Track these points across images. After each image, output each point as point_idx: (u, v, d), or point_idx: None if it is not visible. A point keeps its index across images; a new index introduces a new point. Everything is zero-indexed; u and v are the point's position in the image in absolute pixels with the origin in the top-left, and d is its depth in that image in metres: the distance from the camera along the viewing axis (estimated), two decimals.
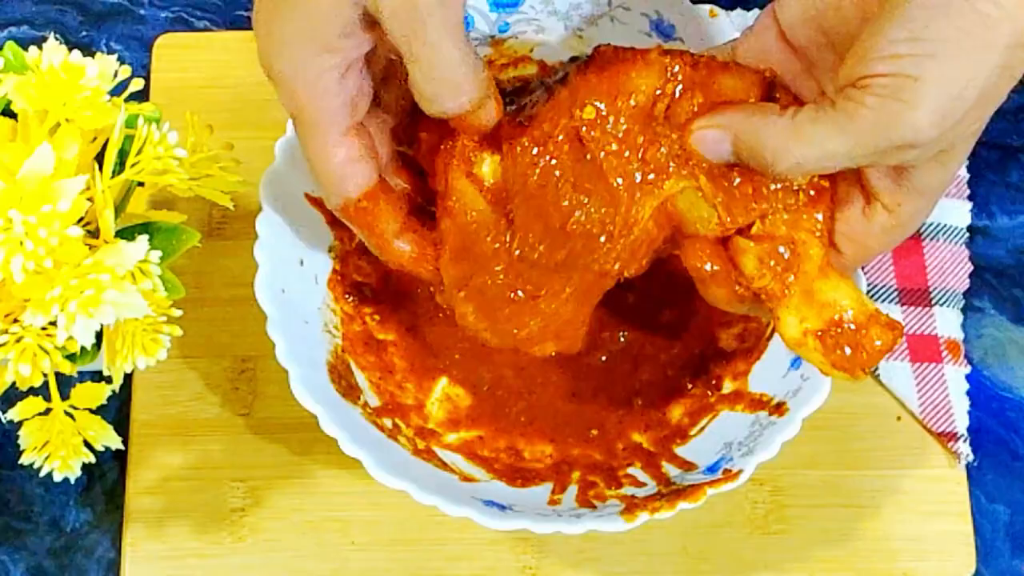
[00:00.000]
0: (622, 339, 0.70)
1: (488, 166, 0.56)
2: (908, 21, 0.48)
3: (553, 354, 0.62)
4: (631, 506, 0.60)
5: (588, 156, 0.55)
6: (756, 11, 0.65)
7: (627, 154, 0.55)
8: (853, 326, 0.54)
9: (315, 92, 0.54)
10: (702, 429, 0.66)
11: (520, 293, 0.59)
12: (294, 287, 0.64)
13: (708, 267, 0.55)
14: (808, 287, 0.54)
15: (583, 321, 0.60)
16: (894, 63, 0.48)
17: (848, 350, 0.54)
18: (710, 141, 0.54)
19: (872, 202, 0.54)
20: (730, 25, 0.66)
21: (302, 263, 0.65)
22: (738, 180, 0.54)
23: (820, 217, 0.54)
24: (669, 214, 0.56)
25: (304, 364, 0.61)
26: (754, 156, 0.52)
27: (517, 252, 0.57)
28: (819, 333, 0.55)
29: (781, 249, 0.54)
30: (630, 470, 0.65)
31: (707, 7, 0.66)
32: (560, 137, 0.55)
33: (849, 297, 0.55)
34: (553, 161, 0.55)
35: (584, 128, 0.55)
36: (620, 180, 0.55)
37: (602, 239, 0.56)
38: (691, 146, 0.54)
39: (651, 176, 0.55)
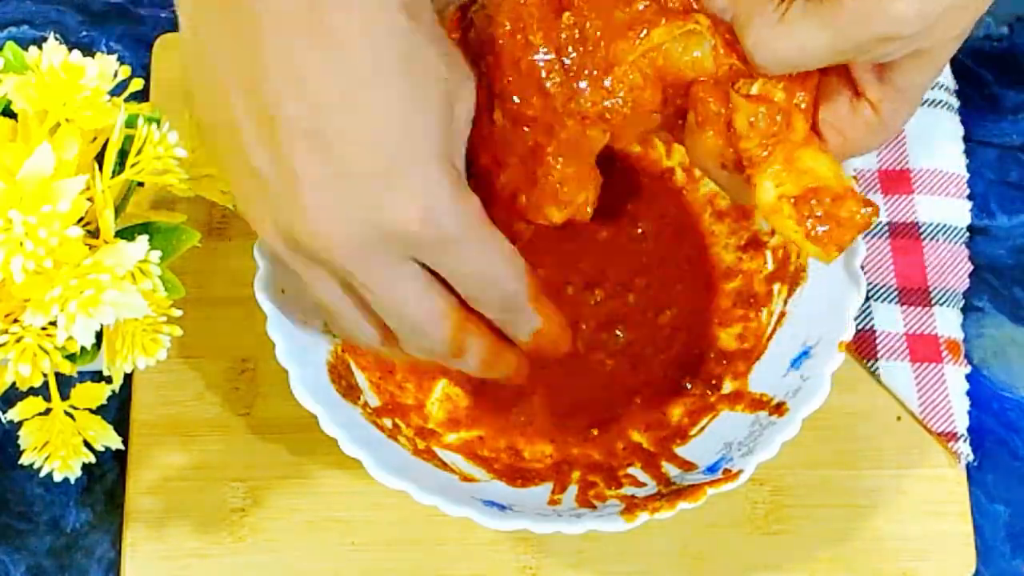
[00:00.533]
0: (620, 338, 0.69)
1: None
2: None
3: (561, 224, 0.60)
4: (631, 506, 0.60)
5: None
6: None
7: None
8: (829, 197, 0.55)
9: (466, 195, 0.52)
10: (702, 429, 0.66)
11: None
12: (294, 287, 0.64)
13: (712, 106, 0.55)
14: (790, 155, 0.55)
15: (583, 184, 0.59)
16: None
17: (822, 220, 0.55)
18: (717, 3, 0.54)
19: (859, 96, 0.54)
20: None
21: None
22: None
23: (803, 95, 0.55)
24: (660, 68, 0.56)
25: (304, 364, 0.61)
26: (743, 42, 0.53)
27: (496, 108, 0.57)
28: (794, 199, 0.55)
29: (772, 113, 0.54)
30: (630, 470, 0.65)
31: None
32: None
33: (829, 169, 0.55)
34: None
35: None
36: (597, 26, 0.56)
37: (583, 85, 0.56)
38: (704, 6, 0.54)
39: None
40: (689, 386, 0.68)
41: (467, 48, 0.57)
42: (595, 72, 0.56)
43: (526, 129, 0.57)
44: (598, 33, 0.56)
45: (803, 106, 0.55)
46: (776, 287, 0.68)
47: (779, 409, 0.62)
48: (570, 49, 0.56)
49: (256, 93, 0.49)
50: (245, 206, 0.52)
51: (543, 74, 0.56)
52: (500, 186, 0.59)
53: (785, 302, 0.67)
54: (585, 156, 0.58)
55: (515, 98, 0.56)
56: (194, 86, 0.53)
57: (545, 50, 0.56)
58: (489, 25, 0.56)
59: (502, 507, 0.61)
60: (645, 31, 0.55)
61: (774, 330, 0.67)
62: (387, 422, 0.65)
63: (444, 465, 0.64)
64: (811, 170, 0.55)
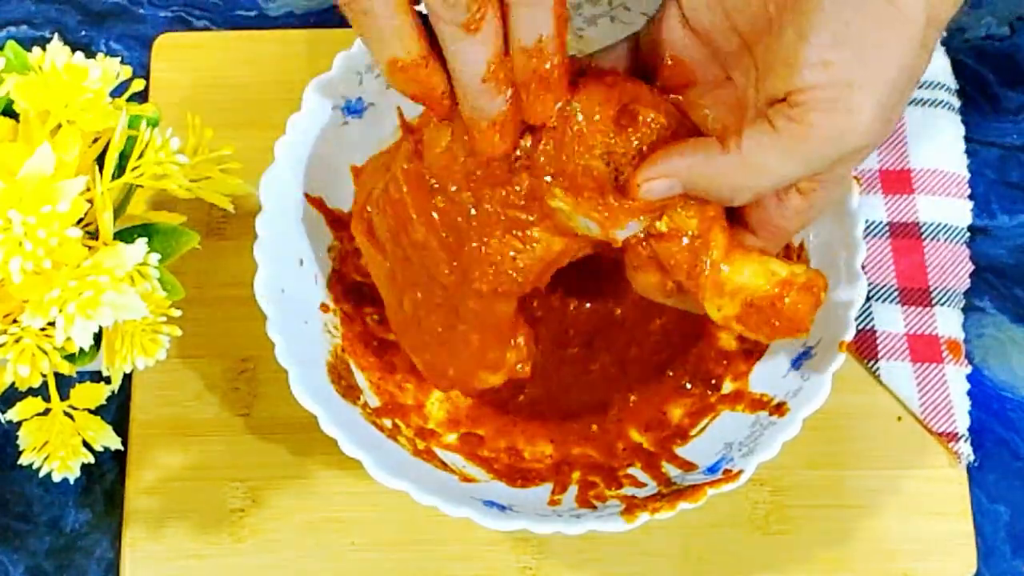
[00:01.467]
0: (620, 337, 0.70)
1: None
2: (829, 22, 0.48)
3: (499, 384, 0.63)
4: (631, 506, 0.60)
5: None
6: None
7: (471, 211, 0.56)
8: (767, 303, 0.55)
9: None
10: (702, 429, 0.66)
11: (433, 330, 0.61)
12: (294, 287, 0.64)
13: (642, 250, 0.56)
14: (716, 278, 0.55)
15: (504, 345, 0.61)
16: (825, 71, 0.48)
17: (771, 322, 0.55)
18: (659, 190, 0.53)
19: (787, 190, 0.54)
20: None
21: (302, 263, 0.65)
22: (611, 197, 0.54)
23: (713, 207, 0.55)
24: (560, 226, 0.56)
25: (304, 364, 0.61)
26: (710, 195, 0.53)
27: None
28: (737, 318, 0.56)
29: (689, 247, 0.55)
30: (630, 470, 0.65)
31: None
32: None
33: (756, 274, 0.55)
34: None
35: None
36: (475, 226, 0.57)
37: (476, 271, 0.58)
38: (639, 197, 0.53)
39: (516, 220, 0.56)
40: (689, 386, 0.68)
41: (377, 246, 0.60)
42: (480, 253, 0.57)
43: (432, 318, 0.60)
44: (473, 224, 0.56)
45: (714, 214, 0.55)
46: None
47: (780, 409, 0.62)
48: (444, 235, 0.57)
49: None
50: None
51: (430, 263, 0.58)
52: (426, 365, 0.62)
53: None
54: (499, 323, 0.60)
55: (417, 293, 0.59)
56: None
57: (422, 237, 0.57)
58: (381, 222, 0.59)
59: (502, 507, 0.60)
60: (520, 234, 0.56)
61: None
62: (387, 422, 0.65)
63: (444, 465, 0.64)
64: (742, 286, 0.55)
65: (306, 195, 0.65)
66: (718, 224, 0.55)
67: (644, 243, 0.56)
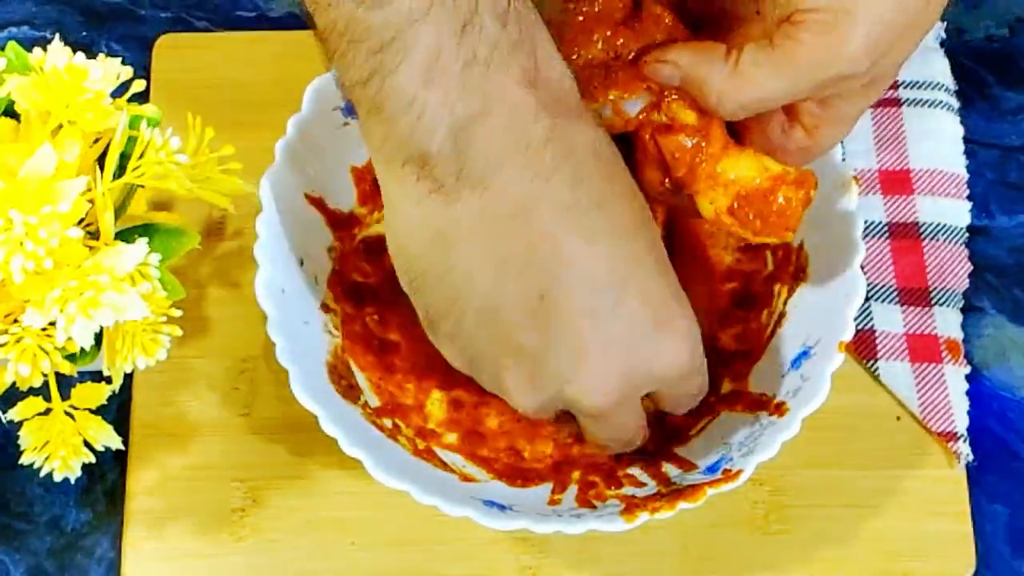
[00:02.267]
0: None
1: None
2: None
3: None
4: (631, 506, 0.60)
5: None
6: None
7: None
8: (760, 196, 0.57)
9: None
10: (702, 430, 0.66)
11: None
12: (294, 288, 0.64)
13: (649, 146, 0.58)
14: (712, 170, 0.57)
15: None
16: None
17: (761, 217, 0.57)
18: (661, 72, 0.56)
19: (793, 122, 0.56)
20: None
21: (302, 263, 0.65)
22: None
23: None
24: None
25: (304, 364, 0.61)
26: (700, 96, 0.55)
27: None
28: (729, 210, 0.57)
29: (689, 137, 0.56)
30: (630, 470, 0.65)
31: None
32: None
33: (750, 168, 0.57)
34: None
35: None
36: None
37: None
38: (646, 72, 0.56)
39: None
40: None
41: None
42: None
43: None
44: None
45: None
46: (776, 288, 0.68)
47: (779, 409, 0.62)
48: None
49: (525, 277, 0.52)
50: (498, 380, 0.57)
51: None
52: None
53: (785, 303, 0.67)
54: None
55: None
56: (425, 274, 0.55)
57: None
58: None
59: (502, 507, 0.61)
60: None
61: (773, 331, 0.67)
62: (387, 422, 0.65)
63: (444, 465, 0.64)
64: (736, 178, 0.57)
65: (306, 195, 0.66)
66: (716, 120, 0.56)
67: (651, 138, 0.57)
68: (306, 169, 0.65)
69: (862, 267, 0.63)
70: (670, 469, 0.64)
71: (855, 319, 0.62)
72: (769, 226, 0.57)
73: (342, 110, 0.66)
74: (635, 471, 0.65)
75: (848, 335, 0.61)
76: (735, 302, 0.69)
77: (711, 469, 0.62)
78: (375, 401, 0.65)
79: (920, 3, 0.51)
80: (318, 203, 0.66)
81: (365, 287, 0.68)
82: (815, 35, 0.51)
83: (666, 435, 0.66)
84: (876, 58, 0.52)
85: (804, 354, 0.63)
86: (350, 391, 0.64)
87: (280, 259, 0.63)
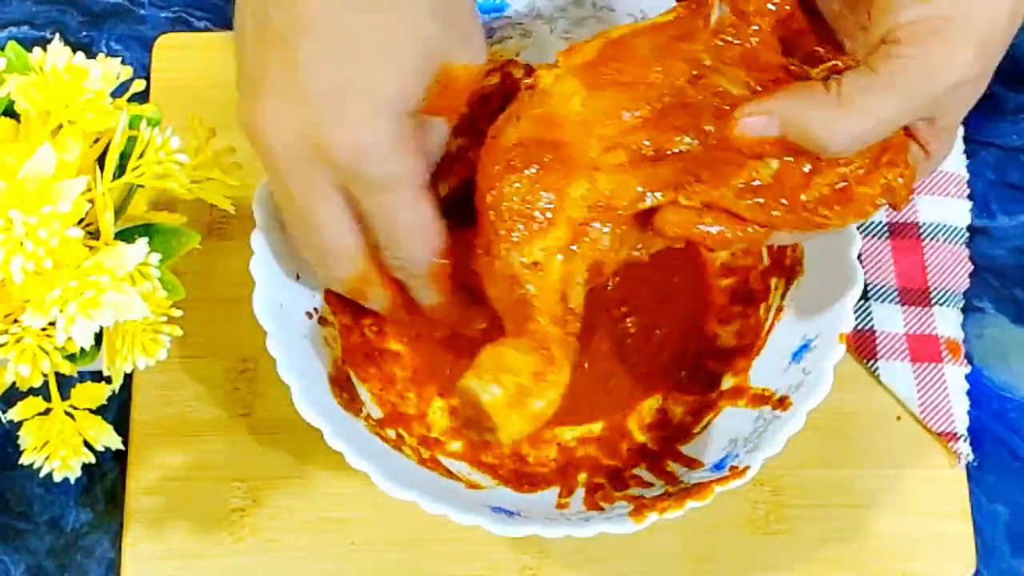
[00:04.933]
0: (618, 337, 0.70)
1: None
2: None
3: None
4: (639, 507, 0.60)
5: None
6: None
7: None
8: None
9: (405, 150, 0.54)
10: (706, 427, 0.66)
11: None
12: (291, 301, 0.64)
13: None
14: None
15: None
16: (922, 7, 0.48)
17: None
18: (755, 126, 0.52)
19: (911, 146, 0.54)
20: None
21: (298, 277, 0.65)
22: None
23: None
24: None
25: (305, 378, 0.61)
26: (806, 138, 0.51)
27: None
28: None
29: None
30: (636, 471, 0.65)
31: None
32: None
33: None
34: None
35: None
36: None
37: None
38: (735, 133, 0.52)
39: None
40: (688, 383, 0.68)
41: None
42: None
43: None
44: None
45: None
46: (773, 282, 0.68)
47: (782, 403, 0.62)
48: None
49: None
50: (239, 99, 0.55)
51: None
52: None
53: (783, 297, 0.67)
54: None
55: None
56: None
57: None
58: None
59: (510, 513, 0.60)
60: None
61: (772, 325, 0.67)
62: (390, 433, 0.65)
63: (450, 473, 0.64)
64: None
65: None
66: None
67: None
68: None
69: (862, 265, 0.63)
70: (676, 468, 0.64)
71: (855, 319, 0.62)
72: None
73: None
74: (641, 471, 0.65)
75: (848, 326, 0.61)
76: (733, 298, 0.69)
77: (717, 466, 0.62)
78: (377, 412, 0.65)
79: (1014, 7, 0.49)
80: None
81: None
82: (920, 47, 0.48)
83: (670, 433, 0.66)
84: (987, 60, 0.49)
85: (804, 347, 0.63)
86: (352, 403, 0.64)
87: (276, 273, 0.63)
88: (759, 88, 0.54)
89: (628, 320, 0.70)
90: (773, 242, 0.57)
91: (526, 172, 0.56)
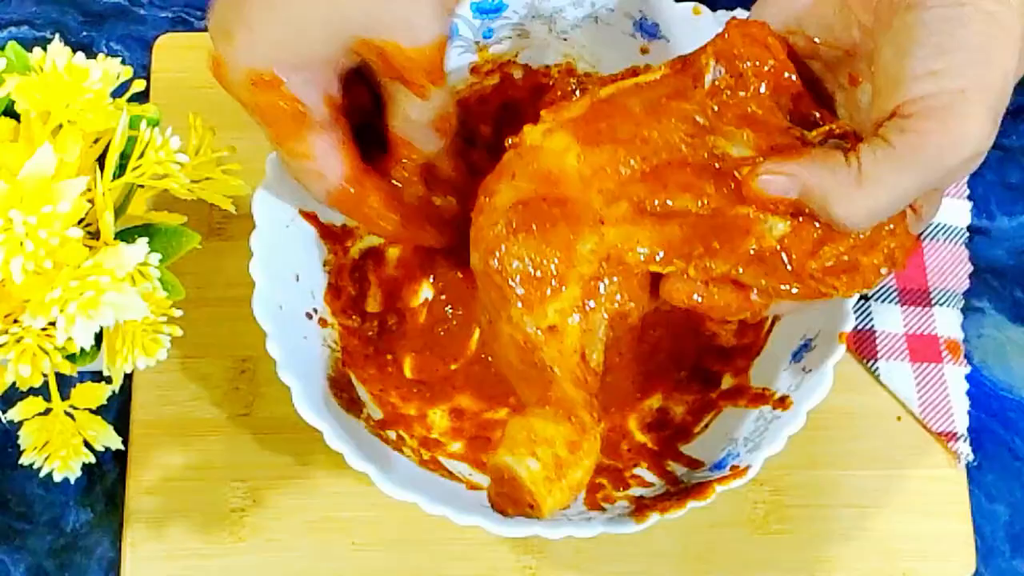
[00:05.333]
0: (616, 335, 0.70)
1: None
2: (932, 35, 0.48)
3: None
4: (640, 507, 0.60)
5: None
6: (740, 10, 0.65)
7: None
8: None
9: (299, 92, 0.57)
10: (706, 426, 0.66)
11: None
12: (291, 303, 0.64)
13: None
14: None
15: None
16: (934, 81, 0.48)
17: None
18: (776, 185, 0.52)
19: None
20: (714, 22, 0.65)
21: (298, 278, 0.65)
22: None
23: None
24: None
25: (305, 380, 0.61)
26: (824, 210, 0.51)
27: None
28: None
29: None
30: (636, 471, 0.65)
31: (691, 5, 0.66)
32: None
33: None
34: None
35: None
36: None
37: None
38: (754, 187, 0.52)
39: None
40: (688, 383, 0.68)
41: None
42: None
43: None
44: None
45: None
46: None
47: (783, 403, 0.62)
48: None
49: None
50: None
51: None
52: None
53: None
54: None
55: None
56: None
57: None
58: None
59: None
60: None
61: (773, 325, 0.67)
62: (391, 434, 0.65)
63: (450, 474, 0.64)
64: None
65: (300, 211, 0.65)
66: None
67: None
68: (297, 184, 0.65)
69: None
70: (676, 468, 0.64)
71: (855, 319, 0.62)
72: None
73: None
74: (642, 471, 0.65)
75: (848, 326, 0.61)
76: None
77: (718, 466, 0.62)
78: (378, 413, 0.65)
79: (1016, 59, 0.49)
80: (311, 218, 0.66)
81: (361, 300, 0.68)
82: (938, 122, 0.48)
83: (671, 433, 0.66)
84: (996, 125, 0.49)
85: (805, 346, 0.63)
86: (353, 405, 0.64)
87: (276, 275, 0.63)
88: (759, 150, 0.54)
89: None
90: (775, 312, 0.56)
91: (533, 229, 0.55)
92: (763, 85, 0.55)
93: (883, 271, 0.54)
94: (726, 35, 0.56)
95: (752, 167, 0.53)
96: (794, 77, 0.55)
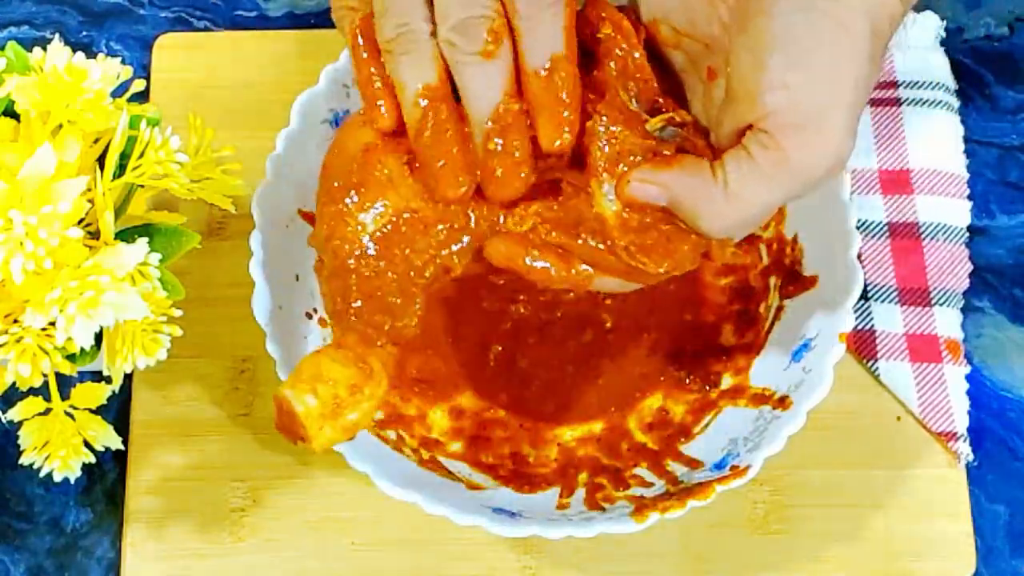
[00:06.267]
0: (617, 337, 0.70)
1: None
2: (783, 45, 0.49)
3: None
4: (640, 507, 0.60)
5: None
6: None
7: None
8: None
9: None
10: (706, 426, 0.66)
11: None
12: (291, 303, 0.64)
13: None
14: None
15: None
16: (787, 94, 0.49)
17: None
18: (647, 193, 0.52)
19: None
20: None
21: (298, 278, 0.65)
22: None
23: None
24: None
25: None
26: (691, 221, 0.52)
27: None
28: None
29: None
30: (636, 470, 0.65)
31: None
32: None
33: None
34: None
35: None
36: None
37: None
38: (625, 192, 0.52)
39: None
40: (688, 382, 0.68)
41: None
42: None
43: None
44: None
45: None
46: (772, 281, 0.68)
47: (783, 403, 0.62)
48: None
49: None
50: None
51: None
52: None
53: (783, 297, 0.67)
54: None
55: None
56: None
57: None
58: None
59: (512, 514, 0.60)
60: None
61: (772, 324, 0.67)
62: (391, 434, 0.65)
63: (450, 474, 0.64)
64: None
65: (299, 211, 0.65)
66: None
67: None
68: (297, 184, 0.65)
69: (862, 265, 0.63)
70: (676, 468, 0.64)
71: (855, 319, 0.62)
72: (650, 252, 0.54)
73: (330, 123, 0.66)
74: (642, 471, 0.65)
75: (848, 326, 0.61)
76: (732, 297, 0.69)
77: (718, 466, 0.62)
78: (378, 413, 0.65)
79: (870, 69, 0.50)
80: (311, 218, 0.66)
81: None
82: (795, 138, 0.49)
83: (671, 433, 0.66)
84: (854, 130, 0.50)
85: (805, 346, 0.63)
86: None
87: (275, 275, 0.63)
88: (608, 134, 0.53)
89: (628, 320, 0.70)
90: (597, 288, 0.56)
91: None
92: (611, 65, 0.54)
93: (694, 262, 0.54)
94: (583, 11, 0.55)
95: (625, 172, 0.52)
96: (640, 60, 0.55)
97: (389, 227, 0.54)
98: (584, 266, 0.54)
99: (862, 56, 0.49)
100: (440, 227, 0.54)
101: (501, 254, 0.54)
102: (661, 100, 0.55)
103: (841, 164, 0.50)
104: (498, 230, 0.54)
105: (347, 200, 0.54)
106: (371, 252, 0.54)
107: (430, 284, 0.55)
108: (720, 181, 0.50)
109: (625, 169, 0.52)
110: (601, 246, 0.53)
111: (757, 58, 0.49)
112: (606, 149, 0.52)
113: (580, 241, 0.53)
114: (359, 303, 0.54)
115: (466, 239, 0.54)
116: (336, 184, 0.54)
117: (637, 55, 0.55)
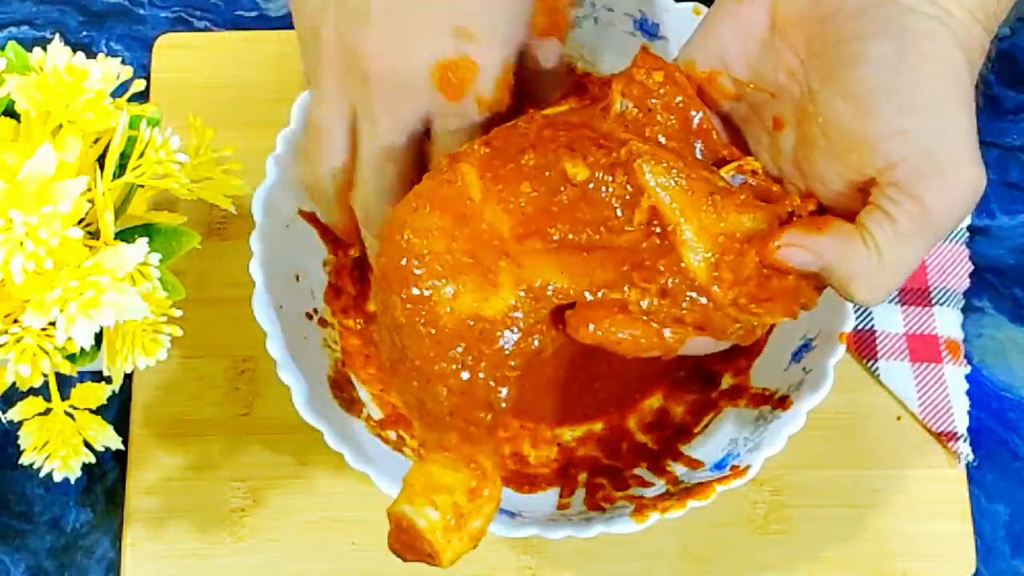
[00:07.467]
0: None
1: None
2: (889, 93, 0.48)
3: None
4: (640, 507, 0.60)
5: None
6: None
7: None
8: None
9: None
10: (706, 426, 0.66)
11: None
12: (291, 303, 0.64)
13: None
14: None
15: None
16: (907, 142, 0.47)
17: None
18: (798, 259, 0.51)
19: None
20: None
21: (298, 278, 0.65)
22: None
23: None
24: None
25: (305, 380, 0.61)
26: (843, 289, 0.51)
27: None
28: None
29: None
30: (636, 471, 0.65)
31: (691, 5, 0.66)
32: None
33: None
34: None
35: None
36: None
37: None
38: (776, 258, 0.51)
39: None
40: (688, 383, 0.68)
41: None
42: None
43: None
44: None
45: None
46: None
47: (783, 403, 0.62)
48: None
49: None
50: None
51: None
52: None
53: None
54: None
55: None
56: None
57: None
58: None
59: (512, 514, 0.60)
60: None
61: (773, 324, 0.67)
62: (391, 434, 0.64)
63: None
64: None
65: (300, 211, 0.65)
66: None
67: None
68: (297, 184, 0.65)
69: None
70: (676, 468, 0.64)
71: (855, 319, 0.62)
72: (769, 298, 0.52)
73: None
74: (642, 471, 0.65)
75: (848, 326, 0.61)
76: None
77: (718, 466, 0.62)
78: (378, 413, 0.65)
79: (970, 82, 0.49)
80: (311, 218, 0.66)
81: (362, 300, 0.68)
82: (931, 186, 0.47)
83: (671, 433, 0.66)
84: (979, 157, 0.49)
85: (805, 346, 0.63)
86: (353, 405, 0.64)
87: (276, 275, 0.63)
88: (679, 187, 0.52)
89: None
90: (688, 352, 0.55)
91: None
92: (671, 119, 0.54)
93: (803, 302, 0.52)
94: (634, 69, 0.54)
95: (774, 233, 0.51)
96: (702, 114, 0.54)
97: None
98: (667, 331, 0.53)
99: (965, 85, 0.48)
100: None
101: (589, 334, 0.53)
102: (726, 152, 0.54)
103: (978, 197, 0.49)
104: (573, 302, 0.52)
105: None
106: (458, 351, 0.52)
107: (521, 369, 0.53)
108: (872, 248, 0.49)
109: (711, 208, 0.51)
110: (704, 300, 0.51)
111: (861, 107, 0.48)
112: (669, 190, 0.51)
113: (685, 304, 0.52)
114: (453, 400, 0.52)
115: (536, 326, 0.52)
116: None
117: (696, 112, 0.54)
